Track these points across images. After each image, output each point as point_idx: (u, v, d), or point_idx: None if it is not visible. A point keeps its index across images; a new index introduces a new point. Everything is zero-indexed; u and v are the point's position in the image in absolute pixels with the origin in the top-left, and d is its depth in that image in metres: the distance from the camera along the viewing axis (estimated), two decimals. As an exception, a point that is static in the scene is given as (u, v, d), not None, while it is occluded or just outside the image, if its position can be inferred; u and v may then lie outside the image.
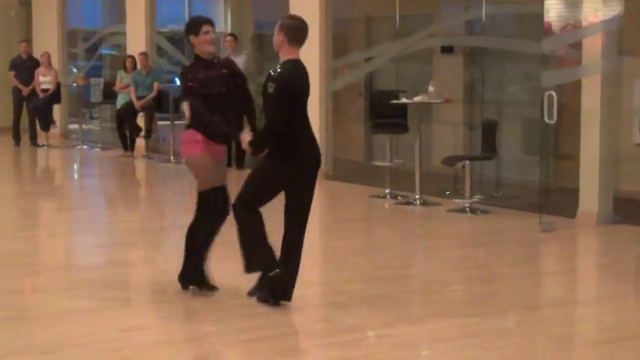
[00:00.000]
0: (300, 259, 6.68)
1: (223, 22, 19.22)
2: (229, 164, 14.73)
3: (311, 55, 13.51)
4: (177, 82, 21.94)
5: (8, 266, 8.23)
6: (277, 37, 6.67)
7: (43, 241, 10.06)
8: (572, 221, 10.23)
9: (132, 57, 17.30)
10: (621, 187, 11.12)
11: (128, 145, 17.02)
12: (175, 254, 8.99)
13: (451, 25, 13.97)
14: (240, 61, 15.01)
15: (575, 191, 10.42)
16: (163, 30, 19.15)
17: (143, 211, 12.11)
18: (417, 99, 11.59)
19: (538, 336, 6.22)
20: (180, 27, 20.16)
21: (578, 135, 10.40)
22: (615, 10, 10.09)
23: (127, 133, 16.99)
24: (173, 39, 19.42)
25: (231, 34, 15.82)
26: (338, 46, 13.97)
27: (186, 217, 9.91)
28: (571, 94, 11.15)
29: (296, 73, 6.62)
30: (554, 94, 9.92)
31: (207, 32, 6.99)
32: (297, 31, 6.65)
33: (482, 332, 6.19)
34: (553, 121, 10.02)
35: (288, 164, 6.58)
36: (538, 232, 9.72)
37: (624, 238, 9.65)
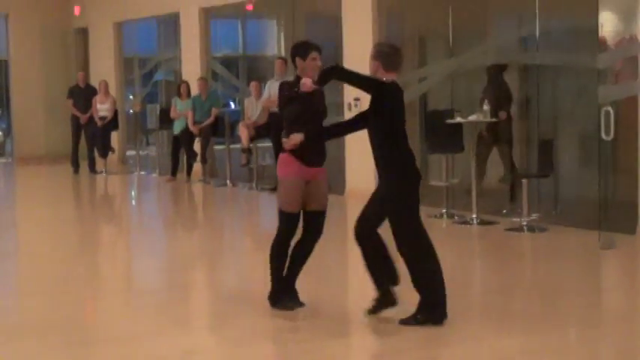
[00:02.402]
0: None
1: (276, 46, 19.34)
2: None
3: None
4: (233, 106, 22.20)
5: (70, 291, 8.34)
6: (372, 64, 6.84)
7: (104, 265, 10.17)
8: (632, 237, 10.12)
9: (186, 83, 17.47)
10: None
11: (177, 171, 17.18)
12: (234, 276, 9.07)
13: (505, 41, 13.93)
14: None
15: (635, 206, 10.32)
16: (217, 55, 19.33)
17: (201, 234, 12.19)
18: (472, 118, 11.56)
19: (601, 353, 6.17)
20: (234, 52, 20.42)
21: (636, 149, 10.30)
22: (671, 22, 10.00)
23: (185, 159, 17.15)
24: (227, 63, 19.58)
25: (281, 58, 15.92)
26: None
27: (245, 240, 9.97)
28: (628, 108, 11.05)
29: None
30: (611, 110, 9.84)
31: (314, 59, 7.09)
32: (389, 57, 6.83)
33: (544, 350, 6.15)
34: (610, 138, 9.93)
35: None
36: (597, 249, 9.63)
37: (686, 253, 9.53)
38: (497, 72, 12.73)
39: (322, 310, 7.18)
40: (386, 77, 6.77)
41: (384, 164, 6.80)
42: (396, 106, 6.77)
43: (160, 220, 13.79)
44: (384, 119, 6.72)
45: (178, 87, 17.60)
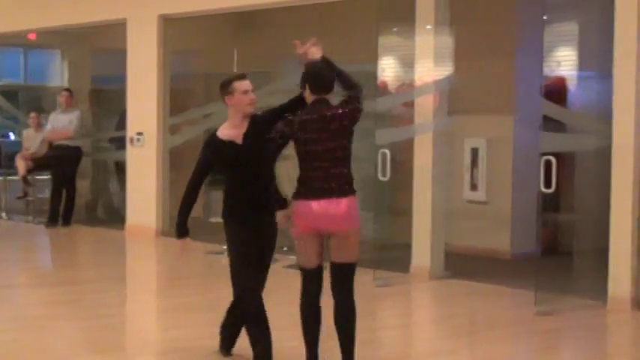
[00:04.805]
0: None
1: (60, 77, 18.95)
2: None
3: (149, 110, 13.43)
4: (12, 136, 21.57)
5: None
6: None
7: None
8: (406, 276, 10.44)
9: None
10: (452, 242, 11.41)
11: None
12: (5, 315, 8.76)
13: (290, 83, 14.14)
14: (73, 116, 14.88)
15: (409, 246, 10.65)
16: (-2, 84, 18.77)
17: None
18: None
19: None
20: (15, 81, 19.85)
21: (411, 191, 10.66)
22: (446, 70, 10.46)
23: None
24: (7, 93, 19.02)
25: (67, 89, 15.63)
26: (177, 102, 13.94)
27: (20, 276, 9.57)
28: (406, 151, 11.45)
29: None
30: (387, 152, 10.17)
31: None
32: None
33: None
34: (386, 179, 10.26)
35: None
36: (373, 287, 9.88)
37: (456, 292, 9.90)
38: None
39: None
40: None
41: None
42: None
43: None
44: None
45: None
